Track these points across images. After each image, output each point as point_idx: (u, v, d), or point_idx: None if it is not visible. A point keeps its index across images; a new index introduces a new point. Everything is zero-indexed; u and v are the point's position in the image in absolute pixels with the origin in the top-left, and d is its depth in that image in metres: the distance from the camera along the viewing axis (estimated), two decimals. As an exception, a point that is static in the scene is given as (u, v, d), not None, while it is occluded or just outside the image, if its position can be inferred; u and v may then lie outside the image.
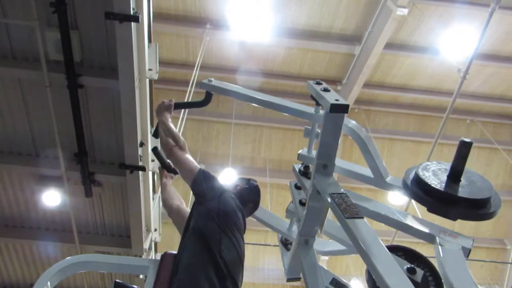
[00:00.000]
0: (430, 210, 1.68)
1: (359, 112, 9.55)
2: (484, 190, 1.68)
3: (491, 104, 9.68)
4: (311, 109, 2.29)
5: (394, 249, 1.99)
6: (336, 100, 1.84)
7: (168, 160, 2.60)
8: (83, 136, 4.39)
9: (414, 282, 1.67)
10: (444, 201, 1.65)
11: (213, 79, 2.53)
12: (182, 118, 6.27)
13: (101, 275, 6.48)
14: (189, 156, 2.27)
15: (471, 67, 6.14)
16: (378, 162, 2.00)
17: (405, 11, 7.09)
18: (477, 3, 7.30)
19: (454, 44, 7.32)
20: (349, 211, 1.64)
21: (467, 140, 1.65)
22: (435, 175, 1.74)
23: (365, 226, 1.56)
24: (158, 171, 2.80)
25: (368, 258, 1.41)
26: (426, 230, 1.71)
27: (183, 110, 5.95)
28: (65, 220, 5.49)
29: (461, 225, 10.43)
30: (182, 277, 1.79)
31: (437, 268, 1.44)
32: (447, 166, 1.77)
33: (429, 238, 1.57)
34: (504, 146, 9.64)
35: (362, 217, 1.61)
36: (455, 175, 1.71)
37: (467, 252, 1.48)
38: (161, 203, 5.70)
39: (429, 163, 1.83)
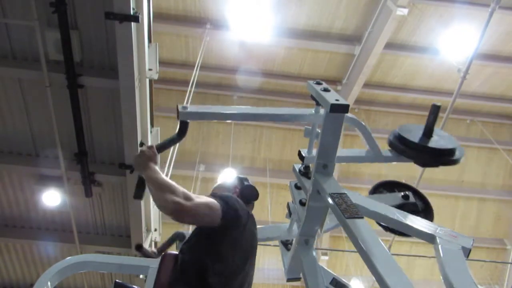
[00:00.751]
0: (409, 157, 2.19)
1: (359, 112, 9.55)
2: (450, 143, 2.19)
3: (491, 104, 9.68)
4: (307, 111, 2.29)
5: (389, 185, 2.55)
6: (336, 100, 1.84)
7: (153, 250, 2.33)
8: (83, 136, 4.40)
9: (409, 203, 2.29)
10: (419, 151, 2.16)
11: (188, 105, 2.08)
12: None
13: (101, 275, 6.48)
14: (198, 200, 1.71)
15: (471, 67, 6.14)
16: (375, 142, 2.33)
17: (405, 11, 7.09)
18: (477, 3, 7.30)
19: (454, 44, 7.32)
20: (349, 211, 1.64)
21: (438, 104, 2.16)
22: (412, 133, 2.23)
23: (365, 226, 1.56)
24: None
25: (368, 258, 1.41)
26: (426, 230, 1.71)
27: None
28: (65, 220, 5.50)
29: (461, 225, 10.45)
30: None
31: (438, 268, 1.44)
32: (419, 126, 2.27)
33: (429, 238, 1.57)
34: (504, 146, 9.64)
35: (362, 217, 1.61)
36: (428, 132, 2.20)
37: (467, 252, 1.48)
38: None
39: (407, 124, 2.35)
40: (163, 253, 2.02)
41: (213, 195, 1.87)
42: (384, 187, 2.57)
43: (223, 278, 1.74)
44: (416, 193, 2.46)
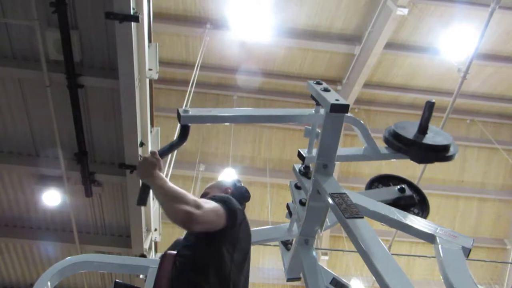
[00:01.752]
0: (405, 154, 2.23)
1: (359, 112, 9.55)
2: (444, 139, 2.23)
3: (491, 104, 9.68)
4: (307, 111, 2.29)
5: (385, 179, 2.60)
6: (336, 100, 1.84)
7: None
8: (83, 136, 4.40)
9: (406, 196, 2.34)
10: (414, 147, 2.21)
11: (189, 109, 2.08)
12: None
13: (101, 275, 6.48)
14: (207, 206, 1.71)
15: (471, 67, 6.14)
16: (373, 139, 2.36)
17: (405, 11, 7.09)
18: (477, 3, 7.30)
19: (454, 44, 7.32)
20: (349, 211, 1.64)
21: (432, 101, 2.24)
22: (407, 130, 2.28)
23: (365, 226, 1.56)
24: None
25: (368, 258, 1.41)
26: (426, 230, 1.71)
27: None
28: (65, 220, 5.49)
29: (461, 225, 10.45)
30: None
31: (438, 268, 1.44)
32: (414, 123, 2.32)
33: (429, 238, 1.57)
34: (504, 146, 9.64)
35: (362, 217, 1.61)
36: (422, 129, 2.25)
37: (467, 252, 1.48)
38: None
39: (402, 122, 2.39)
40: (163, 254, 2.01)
41: (212, 198, 1.85)
42: (380, 181, 2.61)
43: (223, 276, 1.74)
44: (411, 185, 2.50)
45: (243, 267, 1.86)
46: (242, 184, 2.29)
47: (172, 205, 1.63)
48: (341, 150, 2.27)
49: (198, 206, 1.65)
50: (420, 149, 2.20)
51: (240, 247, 1.85)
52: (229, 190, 2.17)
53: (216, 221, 1.74)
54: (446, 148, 2.22)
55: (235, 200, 1.90)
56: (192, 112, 2.06)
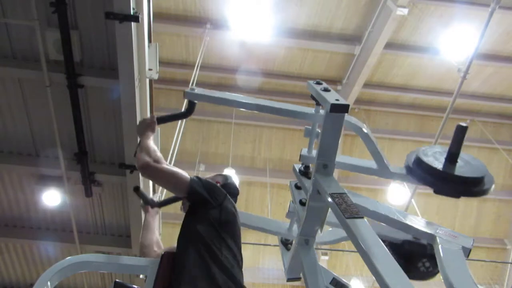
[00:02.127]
0: (433, 187, 1.87)
1: (359, 112, 9.55)
2: (478, 170, 1.90)
3: (491, 104, 9.68)
4: (308, 109, 2.29)
5: None
6: (336, 100, 1.85)
7: (152, 198, 2.50)
8: (83, 136, 4.40)
9: (419, 243, 2.04)
10: (445, 180, 1.85)
11: (195, 87, 2.36)
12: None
13: (101, 275, 6.49)
14: (169, 167, 2.03)
15: (471, 67, 6.14)
16: (381, 153, 2.12)
17: (405, 11, 7.09)
18: (477, 3, 7.30)
19: (454, 44, 7.31)
20: (349, 211, 1.64)
21: (463, 124, 1.87)
22: (435, 158, 1.94)
23: (365, 226, 1.56)
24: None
25: (368, 258, 1.41)
26: (426, 230, 1.71)
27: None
28: (65, 220, 5.50)
29: (461, 225, 10.45)
30: (186, 281, 1.75)
31: (438, 268, 1.44)
32: (442, 149, 2.00)
33: (429, 238, 1.57)
34: (504, 146, 9.64)
35: (362, 217, 1.61)
36: (452, 157, 1.92)
37: (467, 252, 1.48)
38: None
39: (424, 148, 2.03)
40: (163, 254, 2.01)
41: (202, 182, 2.04)
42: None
43: (216, 253, 1.82)
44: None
45: (228, 245, 1.90)
46: (236, 183, 2.41)
47: (140, 154, 2.00)
48: (348, 159, 2.21)
49: (157, 161, 1.97)
50: (450, 182, 1.86)
51: (224, 226, 1.94)
52: (218, 182, 2.26)
53: (173, 182, 1.99)
54: (479, 181, 1.87)
55: (216, 185, 2.10)
56: (198, 91, 2.34)
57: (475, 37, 6.14)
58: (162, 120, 2.39)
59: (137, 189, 2.47)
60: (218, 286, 1.71)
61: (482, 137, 9.78)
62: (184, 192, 2.00)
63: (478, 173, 1.88)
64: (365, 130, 2.14)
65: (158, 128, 2.52)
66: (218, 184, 2.22)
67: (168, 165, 2.03)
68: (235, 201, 2.24)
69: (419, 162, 1.94)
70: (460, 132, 1.88)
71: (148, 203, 2.49)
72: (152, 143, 2.10)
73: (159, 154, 2.02)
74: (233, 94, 2.40)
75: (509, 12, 7.44)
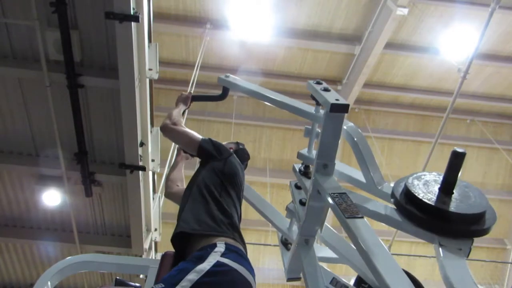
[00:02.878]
0: (419, 225, 1.55)
1: (359, 112, 9.55)
2: (477, 204, 1.54)
3: (491, 104, 9.68)
4: (311, 108, 2.29)
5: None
6: (336, 99, 1.84)
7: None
8: (83, 136, 4.40)
9: None
10: (434, 216, 1.52)
11: (230, 75, 2.66)
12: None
13: (101, 275, 6.49)
14: (186, 129, 2.37)
15: (471, 67, 6.14)
16: (371, 168, 1.88)
17: (405, 11, 7.09)
18: (477, 3, 7.30)
19: (454, 44, 7.32)
20: (349, 211, 1.64)
21: (460, 150, 1.51)
22: (426, 187, 1.62)
23: (365, 226, 1.56)
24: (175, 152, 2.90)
25: (368, 258, 1.41)
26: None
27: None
28: (65, 220, 5.50)
29: (461, 225, 10.43)
30: (187, 215, 1.95)
31: (438, 268, 1.44)
32: (438, 178, 1.65)
33: (429, 238, 1.56)
34: (504, 146, 9.64)
35: (362, 217, 1.61)
36: (447, 187, 1.58)
37: (467, 252, 1.48)
38: (161, 202, 5.72)
39: (424, 173, 1.71)
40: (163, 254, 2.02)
41: (211, 140, 2.35)
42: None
43: (215, 195, 2.04)
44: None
45: (229, 192, 2.13)
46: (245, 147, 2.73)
47: (164, 119, 2.40)
48: (343, 168, 2.07)
49: (174, 123, 2.36)
50: (441, 219, 1.51)
51: (227, 177, 2.18)
52: (232, 148, 2.56)
53: (184, 141, 2.39)
54: (479, 217, 1.52)
55: (224, 146, 2.39)
56: (231, 78, 2.64)
57: (475, 37, 6.14)
58: (197, 98, 2.73)
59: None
60: (213, 218, 1.89)
61: (482, 137, 9.78)
62: (195, 150, 2.31)
63: (478, 208, 1.53)
64: (356, 139, 1.95)
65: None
66: (231, 150, 2.49)
67: (184, 127, 2.38)
68: (246, 166, 2.58)
69: (408, 194, 1.62)
70: (457, 159, 1.54)
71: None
72: (179, 112, 2.50)
73: (178, 119, 2.40)
74: (258, 86, 2.58)
75: (509, 12, 7.44)
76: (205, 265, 1.62)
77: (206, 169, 2.20)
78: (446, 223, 1.50)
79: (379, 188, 1.85)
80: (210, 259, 1.65)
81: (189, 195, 2.08)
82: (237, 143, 2.70)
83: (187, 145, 2.41)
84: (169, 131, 2.36)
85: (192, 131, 2.38)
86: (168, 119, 2.39)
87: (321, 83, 2.06)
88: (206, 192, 2.03)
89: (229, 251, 1.74)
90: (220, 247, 1.73)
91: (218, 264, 1.64)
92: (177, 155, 2.85)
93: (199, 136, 2.35)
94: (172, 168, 2.78)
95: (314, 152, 2.28)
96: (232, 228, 1.93)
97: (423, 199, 1.55)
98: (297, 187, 2.40)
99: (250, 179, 9.86)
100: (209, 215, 1.90)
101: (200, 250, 1.74)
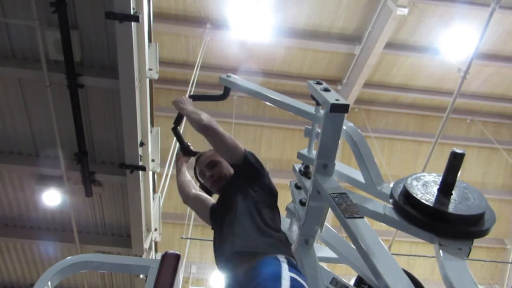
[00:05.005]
0: (417, 225, 1.56)
1: (359, 112, 9.55)
2: (476, 205, 1.54)
3: (491, 104, 9.68)
4: (311, 108, 2.29)
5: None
6: (336, 100, 1.84)
7: (188, 143, 2.67)
8: (83, 136, 4.40)
9: None
10: (432, 217, 1.52)
11: (231, 74, 2.63)
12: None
13: (101, 275, 6.48)
14: (230, 135, 2.21)
15: (471, 67, 6.14)
16: (370, 168, 1.89)
17: (405, 11, 7.09)
18: (477, 3, 7.30)
19: (454, 44, 7.32)
20: (349, 211, 1.64)
21: (459, 151, 1.51)
22: (425, 187, 1.61)
23: (365, 226, 1.56)
24: (174, 157, 2.77)
25: (368, 258, 1.41)
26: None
27: None
28: (65, 220, 5.50)
29: (461, 225, 10.43)
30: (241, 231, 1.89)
31: (438, 268, 1.44)
32: (437, 179, 1.65)
33: (429, 238, 1.56)
34: (504, 146, 9.64)
35: (362, 217, 1.61)
36: (445, 188, 1.57)
37: (467, 252, 1.48)
38: (161, 202, 5.72)
39: (423, 174, 1.72)
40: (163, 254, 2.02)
41: (252, 153, 2.23)
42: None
43: (268, 217, 2.00)
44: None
45: (269, 206, 2.10)
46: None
47: (195, 115, 2.26)
48: (343, 168, 2.09)
49: (216, 125, 2.18)
50: (440, 220, 1.51)
51: (272, 190, 2.18)
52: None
53: (229, 148, 2.15)
54: (477, 219, 1.53)
55: (257, 159, 2.25)
56: (232, 78, 2.61)
57: (475, 37, 6.14)
58: (197, 97, 2.63)
59: (175, 129, 2.61)
60: (261, 230, 1.88)
61: (482, 137, 9.78)
62: (238, 160, 2.14)
63: (477, 208, 1.53)
64: (355, 139, 1.98)
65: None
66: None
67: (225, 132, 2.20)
68: None
69: (406, 195, 1.62)
70: (456, 159, 1.53)
71: (184, 149, 2.65)
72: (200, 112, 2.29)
73: (213, 120, 2.19)
74: (260, 86, 2.58)
75: (509, 12, 7.44)
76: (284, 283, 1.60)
77: (249, 184, 2.11)
78: (444, 224, 1.51)
79: (378, 188, 1.87)
80: (284, 275, 1.65)
81: (236, 205, 2.01)
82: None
83: (229, 153, 2.17)
84: (214, 132, 2.13)
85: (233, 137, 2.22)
86: (203, 115, 2.18)
87: (321, 83, 2.07)
88: (253, 208, 1.99)
89: (292, 266, 1.74)
90: (283, 262, 1.74)
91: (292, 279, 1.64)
92: (177, 159, 2.74)
93: (242, 146, 2.20)
94: (178, 174, 2.67)
95: (314, 152, 2.28)
96: (288, 242, 2.01)
97: (421, 200, 1.55)
98: (297, 187, 2.40)
99: (250, 179, 9.83)
100: (258, 228, 1.91)
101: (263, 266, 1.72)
